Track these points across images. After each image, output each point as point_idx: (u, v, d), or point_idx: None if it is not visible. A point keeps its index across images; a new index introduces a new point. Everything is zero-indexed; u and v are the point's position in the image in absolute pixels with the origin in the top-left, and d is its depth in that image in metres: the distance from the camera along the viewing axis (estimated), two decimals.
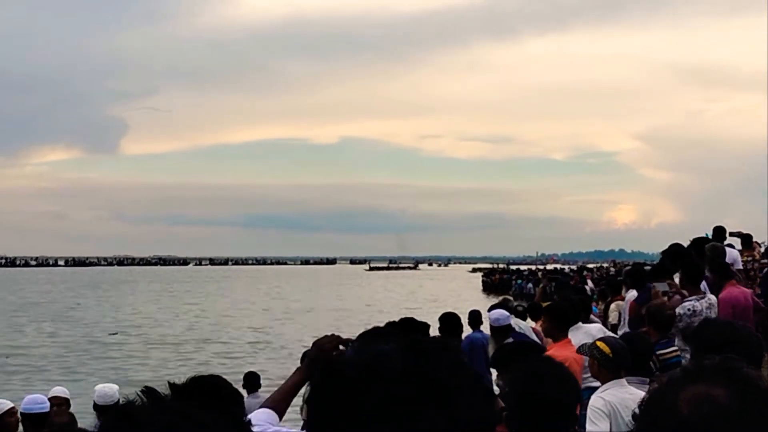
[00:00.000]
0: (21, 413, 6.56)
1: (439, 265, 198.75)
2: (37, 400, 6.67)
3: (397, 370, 0.99)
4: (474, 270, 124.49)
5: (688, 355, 6.69)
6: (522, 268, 75.74)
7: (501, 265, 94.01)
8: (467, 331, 10.08)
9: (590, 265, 59.80)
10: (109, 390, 6.89)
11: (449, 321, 8.23)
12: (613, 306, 11.10)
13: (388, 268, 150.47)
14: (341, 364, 1.04)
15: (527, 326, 9.94)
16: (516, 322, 9.32)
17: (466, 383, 1.01)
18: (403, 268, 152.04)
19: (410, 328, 6.89)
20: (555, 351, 5.79)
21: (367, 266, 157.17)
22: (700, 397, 1.12)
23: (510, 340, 7.17)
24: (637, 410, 1.20)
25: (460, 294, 47.66)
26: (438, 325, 8.44)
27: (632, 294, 8.84)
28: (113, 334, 28.37)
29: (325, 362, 1.20)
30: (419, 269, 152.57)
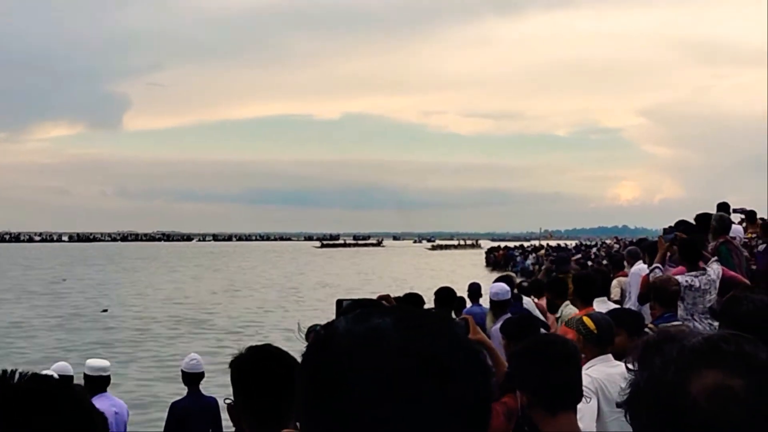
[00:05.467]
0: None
1: (414, 242, 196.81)
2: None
3: (394, 344, 0.92)
4: (433, 248, 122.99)
5: (691, 324, 6.61)
6: (526, 244, 75.46)
7: (469, 241, 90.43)
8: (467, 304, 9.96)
9: (591, 242, 59.59)
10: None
11: (444, 295, 8.12)
12: (614, 282, 10.96)
13: (345, 245, 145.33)
14: (335, 336, 0.95)
15: (530, 302, 9.88)
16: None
17: (464, 359, 0.94)
18: (363, 245, 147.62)
19: (415, 304, 6.83)
20: None
21: (318, 243, 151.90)
22: (717, 388, 1.05)
23: (508, 315, 7.02)
24: (623, 384, 1.14)
25: (462, 270, 47.52)
26: (434, 300, 8.35)
27: (638, 268, 8.72)
28: (104, 311, 28.12)
29: (317, 333, 1.04)
30: (383, 246, 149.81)
